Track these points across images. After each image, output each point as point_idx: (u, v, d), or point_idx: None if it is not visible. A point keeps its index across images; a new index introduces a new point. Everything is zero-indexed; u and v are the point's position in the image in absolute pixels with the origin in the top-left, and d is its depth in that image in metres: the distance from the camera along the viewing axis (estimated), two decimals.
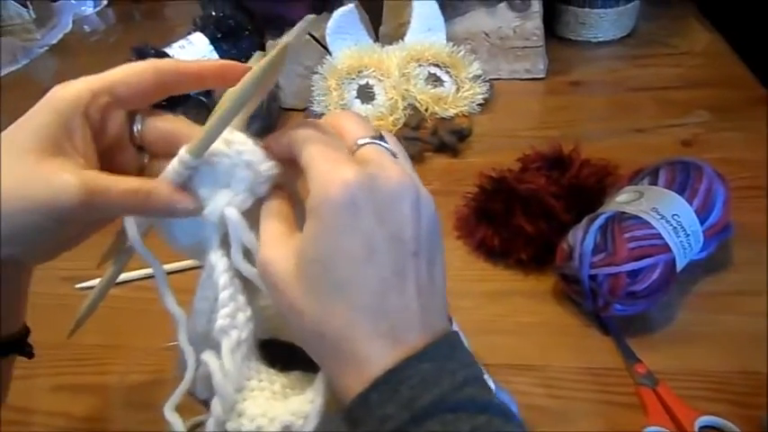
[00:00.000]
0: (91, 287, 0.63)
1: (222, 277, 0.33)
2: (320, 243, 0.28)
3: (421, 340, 0.29)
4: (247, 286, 0.34)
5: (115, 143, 0.33)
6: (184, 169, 0.31)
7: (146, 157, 0.34)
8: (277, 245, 0.30)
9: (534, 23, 0.88)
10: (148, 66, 0.33)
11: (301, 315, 0.29)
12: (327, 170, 0.28)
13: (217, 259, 0.33)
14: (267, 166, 0.33)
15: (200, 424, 0.46)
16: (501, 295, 0.57)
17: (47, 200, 0.29)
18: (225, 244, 0.33)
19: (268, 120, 0.83)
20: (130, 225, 0.33)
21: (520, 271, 0.59)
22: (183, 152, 0.31)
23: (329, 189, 0.28)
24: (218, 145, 0.32)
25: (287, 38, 0.32)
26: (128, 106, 0.33)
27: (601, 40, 0.98)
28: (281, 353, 0.36)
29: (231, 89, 0.31)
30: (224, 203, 0.32)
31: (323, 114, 0.81)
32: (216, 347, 0.34)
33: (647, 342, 0.51)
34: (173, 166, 0.31)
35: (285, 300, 0.29)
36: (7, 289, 0.34)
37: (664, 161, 0.56)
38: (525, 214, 0.58)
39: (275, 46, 0.31)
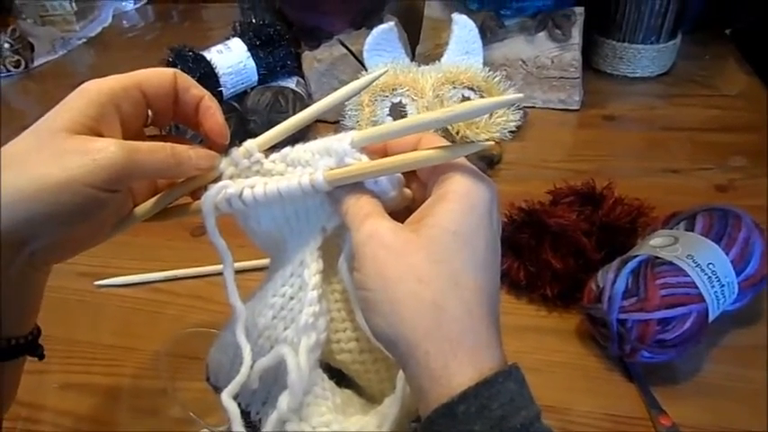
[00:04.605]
0: (110, 285, 0.63)
1: (315, 278, 0.34)
2: (465, 220, 0.30)
3: (501, 359, 0.29)
4: None
5: (136, 136, 0.35)
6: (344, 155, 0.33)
7: None
8: (381, 219, 0.31)
9: (573, 55, 0.87)
10: (171, 72, 0.35)
11: (420, 282, 0.28)
12: (474, 171, 0.32)
13: (312, 259, 0.34)
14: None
15: None
16: (523, 330, 0.56)
17: (88, 167, 0.29)
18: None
19: (298, 131, 0.83)
20: (209, 214, 0.33)
21: (543, 307, 0.58)
22: (351, 134, 0.33)
23: (480, 182, 0.31)
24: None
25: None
26: (150, 105, 0.35)
27: (638, 75, 0.97)
28: (330, 378, 0.36)
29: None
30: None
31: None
32: (271, 344, 0.34)
33: (672, 392, 0.49)
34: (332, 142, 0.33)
35: (401, 265, 0.29)
36: (25, 290, 0.34)
37: (701, 207, 0.55)
38: (554, 249, 0.56)
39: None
